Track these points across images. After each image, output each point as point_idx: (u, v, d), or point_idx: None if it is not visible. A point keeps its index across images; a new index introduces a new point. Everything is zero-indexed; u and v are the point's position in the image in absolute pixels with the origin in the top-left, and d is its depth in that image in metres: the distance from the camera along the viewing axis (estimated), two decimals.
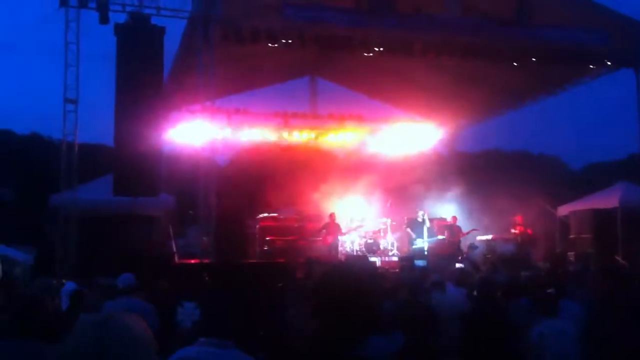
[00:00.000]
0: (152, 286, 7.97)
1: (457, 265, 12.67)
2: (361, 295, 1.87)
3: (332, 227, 17.66)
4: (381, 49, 15.13)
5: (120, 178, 13.12)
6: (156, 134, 13.24)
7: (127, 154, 12.85)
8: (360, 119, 22.67)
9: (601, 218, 19.06)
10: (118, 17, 13.74)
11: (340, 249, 17.75)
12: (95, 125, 20.34)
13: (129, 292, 6.49)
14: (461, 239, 18.07)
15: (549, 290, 6.01)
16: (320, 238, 17.77)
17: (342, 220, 18.21)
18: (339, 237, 17.78)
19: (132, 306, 5.88)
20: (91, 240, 14.68)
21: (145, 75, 13.20)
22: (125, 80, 13.33)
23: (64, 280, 9.96)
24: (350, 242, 18.57)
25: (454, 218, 18.63)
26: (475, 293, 6.92)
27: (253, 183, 21.20)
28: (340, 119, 22.44)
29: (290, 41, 14.42)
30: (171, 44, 14.83)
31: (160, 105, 13.60)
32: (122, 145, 13.06)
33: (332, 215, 17.82)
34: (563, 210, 21.34)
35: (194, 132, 18.51)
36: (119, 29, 13.52)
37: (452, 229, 18.21)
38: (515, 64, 16.05)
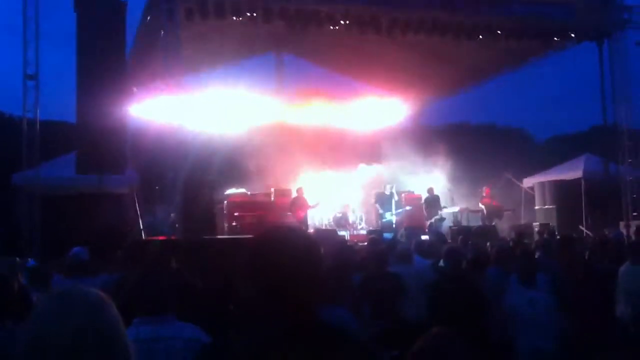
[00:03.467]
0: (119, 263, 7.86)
1: (423, 237, 12.78)
2: (314, 263, 1.84)
3: (301, 201, 17.68)
4: (347, 22, 15.05)
5: (84, 155, 12.89)
6: (119, 110, 13.00)
7: (90, 130, 12.61)
8: (327, 94, 22.60)
9: (565, 189, 19.40)
10: None
11: (308, 223, 17.79)
12: (57, 102, 19.96)
13: (82, 269, 6.38)
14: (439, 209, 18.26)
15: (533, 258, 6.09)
16: (290, 213, 17.78)
17: (310, 195, 18.22)
18: (308, 211, 17.82)
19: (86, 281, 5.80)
20: (56, 219, 14.47)
21: (107, 51, 12.91)
22: (87, 56, 13.02)
23: (29, 259, 9.82)
24: (319, 217, 18.62)
25: (431, 189, 18.71)
26: (441, 263, 6.98)
27: (221, 159, 21.05)
28: (307, 94, 22.35)
29: (255, 15, 14.25)
30: (133, 19, 14.55)
31: (123, 82, 13.34)
32: (84, 122, 12.81)
33: (299, 190, 17.82)
34: (528, 182, 21.66)
35: (159, 108, 18.27)
36: (79, 4, 13.17)
37: (429, 200, 18.38)
38: (480, 37, 16.11)
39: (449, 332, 2.34)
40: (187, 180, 13.80)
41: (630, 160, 16.96)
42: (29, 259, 9.48)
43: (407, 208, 18.51)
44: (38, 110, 14.33)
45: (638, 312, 6.39)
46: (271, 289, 1.77)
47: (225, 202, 18.27)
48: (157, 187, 16.12)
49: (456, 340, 2.31)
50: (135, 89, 18.39)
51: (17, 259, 7.14)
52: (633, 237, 12.31)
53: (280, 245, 1.84)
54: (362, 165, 21.41)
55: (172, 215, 13.87)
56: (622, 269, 6.73)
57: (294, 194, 18.14)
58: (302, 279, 1.78)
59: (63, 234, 13.49)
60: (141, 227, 15.57)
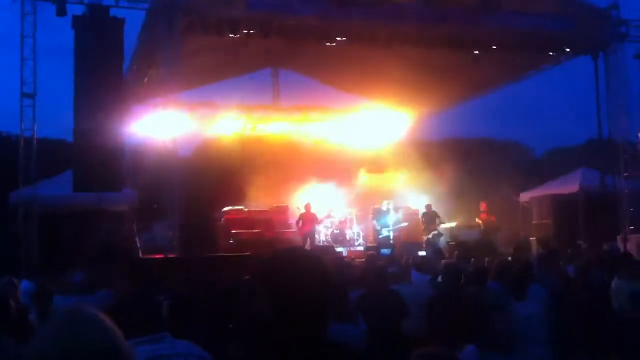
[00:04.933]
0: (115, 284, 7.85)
1: (420, 252, 12.77)
2: (323, 283, 1.87)
3: (308, 216, 17.70)
4: (344, 38, 15.13)
5: (81, 173, 12.90)
6: (117, 127, 13.04)
7: (87, 148, 12.64)
8: (324, 109, 22.67)
9: (562, 203, 19.41)
10: (76, 9, 13.50)
11: (315, 238, 17.80)
12: (55, 121, 19.98)
13: (84, 289, 6.39)
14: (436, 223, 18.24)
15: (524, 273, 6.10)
16: (296, 229, 17.82)
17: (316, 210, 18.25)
18: (315, 227, 17.84)
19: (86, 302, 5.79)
20: (54, 237, 14.44)
21: (105, 68, 12.97)
22: (84, 73, 13.08)
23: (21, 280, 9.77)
24: (317, 233, 18.61)
25: (429, 206, 18.70)
26: (439, 279, 6.97)
27: (218, 176, 21.06)
28: (304, 109, 22.42)
29: (252, 31, 14.33)
30: (131, 36, 14.62)
31: (120, 99, 13.39)
32: (81, 140, 12.84)
33: (307, 206, 17.86)
34: (525, 196, 21.67)
35: (157, 125, 18.29)
36: (77, 22, 13.24)
37: (427, 215, 18.37)
38: (476, 52, 16.20)
39: (445, 351, 2.34)
40: (186, 198, 13.81)
41: (626, 174, 16.99)
42: (22, 280, 9.43)
43: (404, 224, 18.49)
44: (35, 128, 14.33)
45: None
46: (281, 308, 1.79)
47: (223, 219, 18.25)
48: (155, 205, 16.10)
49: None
50: (133, 106, 18.43)
51: (14, 279, 7.11)
52: (632, 251, 12.31)
53: (291, 267, 1.86)
54: (362, 172, 21.35)
55: (170, 232, 13.84)
56: (614, 282, 6.75)
57: (293, 211, 18.19)
58: (312, 299, 1.79)
59: (61, 252, 13.47)
60: (139, 244, 15.53)
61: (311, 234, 17.53)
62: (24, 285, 8.40)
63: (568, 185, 19.77)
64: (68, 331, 1.49)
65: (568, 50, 16.77)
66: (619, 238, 15.99)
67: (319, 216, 18.15)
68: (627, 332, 5.28)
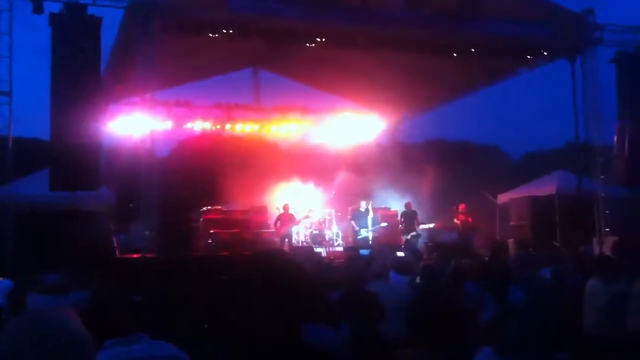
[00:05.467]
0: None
1: (399, 253, 12.79)
2: (301, 285, 1.85)
3: (286, 217, 17.70)
4: (324, 39, 15.14)
5: (57, 172, 12.76)
6: (94, 126, 12.92)
7: (64, 147, 12.50)
8: (303, 110, 22.65)
9: (539, 205, 19.56)
10: (53, 6, 13.33)
11: (294, 238, 17.80)
12: (30, 119, 19.74)
13: (58, 290, 6.30)
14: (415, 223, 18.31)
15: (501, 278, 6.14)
16: (273, 230, 17.80)
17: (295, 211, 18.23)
18: (293, 227, 17.84)
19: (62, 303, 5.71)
20: (29, 236, 14.26)
21: (82, 66, 12.85)
22: (61, 72, 12.95)
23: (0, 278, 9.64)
24: (295, 234, 18.59)
25: (409, 204, 18.75)
26: (417, 280, 6.99)
27: (196, 176, 20.96)
28: (284, 110, 22.39)
29: (232, 32, 14.28)
30: (108, 35, 14.48)
31: (97, 98, 13.27)
32: (58, 139, 12.70)
33: (285, 206, 17.86)
34: (503, 198, 21.83)
35: (134, 125, 18.15)
36: (53, 19, 13.10)
37: (407, 214, 18.43)
38: (455, 55, 16.30)
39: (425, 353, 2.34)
40: (163, 198, 13.72)
41: (602, 177, 17.18)
42: (2, 279, 9.31)
43: (383, 225, 18.54)
44: (11, 127, 14.14)
45: (600, 325, 6.46)
46: (258, 310, 1.77)
47: (201, 219, 18.16)
48: (131, 205, 15.97)
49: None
50: (110, 105, 18.28)
51: None
52: (607, 253, 12.43)
53: (269, 268, 1.84)
54: (341, 173, 21.34)
55: (146, 232, 13.74)
56: (588, 283, 6.82)
57: (274, 211, 18.16)
58: (289, 301, 1.78)
59: (36, 252, 13.30)
60: (115, 244, 15.39)
61: (289, 235, 17.54)
62: (4, 284, 8.29)
63: (545, 188, 19.95)
64: (26, 331, 1.49)
65: (545, 54, 16.93)
66: (594, 240, 16.17)
67: (298, 217, 18.15)
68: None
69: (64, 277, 6.64)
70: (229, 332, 1.90)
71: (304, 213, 18.53)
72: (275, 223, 17.87)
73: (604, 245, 15.48)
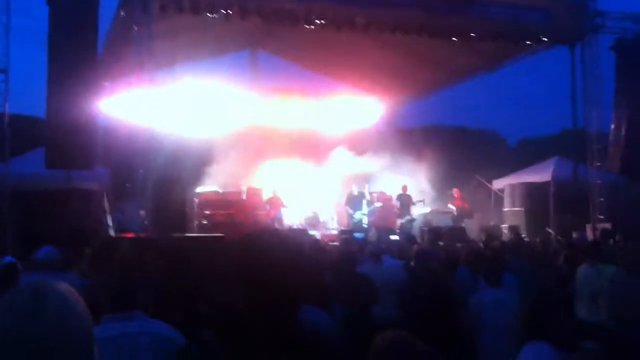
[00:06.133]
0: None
1: (393, 237, 12.85)
2: (297, 266, 1.86)
3: (276, 201, 17.74)
4: (323, 22, 15.05)
5: (53, 150, 12.71)
6: (90, 105, 12.85)
7: (60, 125, 12.44)
8: (301, 92, 22.58)
9: (534, 191, 19.62)
10: None
11: (283, 222, 17.85)
12: (27, 97, 19.65)
13: (50, 266, 6.31)
14: (411, 207, 18.36)
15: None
16: (264, 212, 17.82)
17: (283, 195, 18.25)
18: (282, 211, 17.87)
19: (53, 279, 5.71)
20: (24, 215, 14.24)
21: (79, 45, 12.74)
22: (58, 50, 12.84)
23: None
24: (291, 216, 18.63)
25: (405, 187, 18.78)
26: (412, 264, 7.03)
27: (192, 156, 20.89)
28: (282, 92, 22.31)
29: (230, 12, 14.18)
30: (106, 13, 14.39)
31: (95, 76, 13.18)
32: (54, 117, 12.63)
33: (275, 190, 17.90)
34: (498, 183, 21.88)
35: (131, 104, 18.08)
36: None
37: (402, 197, 18.47)
38: (454, 39, 16.25)
39: (407, 335, 2.34)
40: (158, 177, 13.69)
41: (598, 164, 17.22)
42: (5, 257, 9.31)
43: (378, 204, 18.58)
44: (7, 105, 14.09)
45: (592, 311, 6.50)
46: (254, 291, 1.77)
47: (196, 199, 18.16)
48: (127, 184, 15.95)
49: (415, 344, 2.31)
50: (107, 84, 18.19)
51: None
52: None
53: (264, 249, 1.84)
54: (338, 156, 21.17)
55: (141, 212, 13.74)
56: (580, 269, 6.85)
57: (270, 194, 18.18)
58: (284, 282, 1.78)
59: (31, 230, 13.29)
60: (110, 224, 15.39)
61: (278, 218, 17.57)
62: (6, 260, 8.28)
63: (541, 174, 19.98)
64: (25, 304, 1.46)
65: (545, 40, 16.89)
66: (588, 227, 16.23)
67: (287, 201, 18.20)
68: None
69: (59, 251, 6.65)
70: (224, 313, 1.91)
71: (297, 197, 18.45)
72: (265, 206, 17.91)
73: (597, 231, 15.56)
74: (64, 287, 1.57)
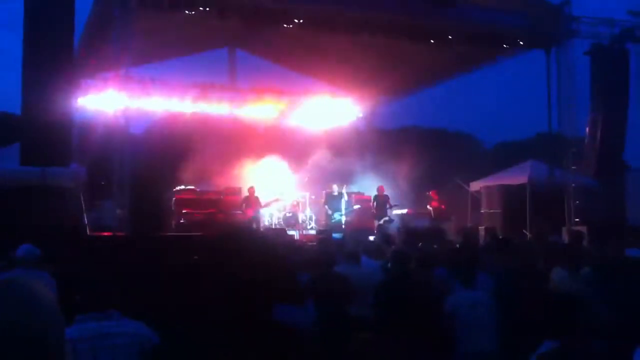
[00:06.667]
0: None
1: (371, 238, 12.86)
2: (270, 262, 1.86)
3: (252, 200, 17.63)
4: (302, 21, 15.04)
5: (28, 147, 12.57)
6: (66, 102, 12.72)
7: (35, 122, 12.30)
8: (279, 92, 22.54)
9: (511, 194, 19.75)
10: None
11: (261, 222, 17.76)
12: (1, 93, 19.40)
13: (30, 263, 6.23)
14: (387, 209, 18.35)
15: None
16: (241, 212, 17.71)
17: (260, 194, 18.16)
18: (260, 210, 17.78)
19: (29, 276, 5.64)
20: None
21: (55, 40, 12.61)
22: (33, 45, 12.70)
23: None
24: (269, 216, 18.56)
25: (381, 187, 18.79)
26: (389, 265, 7.04)
27: (169, 155, 20.77)
28: (260, 91, 22.25)
29: (208, 9, 14.12)
30: (83, 7, 14.24)
31: (70, 73, 13.06)
32: (29, 114, 12.49)
33: (251, 189, 17.78)
34: (475, 185, 22.00)
35: (107, 101, 17.92)
36: None
37: (379, 198, 18.48)
38: (432, 41, 16.34)
39: (384, 336, 2.35)
40: (135, 176, 13.59)
41: (574, 167, 17.41)
42: None
43: (357, 207, 18.61)
44: None
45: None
46: (229, 288, 1.77)
47: (174, 198, 18.04)
48: (103, 182, 15.79)
49: (389, 346, 2.32)
50: (83, 81, 18.00)
51: None
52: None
53: (237, 246, 1.84)
54: (316, 156, 21.08)
55: (118, 211, 13.61)
56: (554, 272, 6.91)
57: (245, 193, 18.07)
58: (259, 279, 1.78)
59: (5, 228, 13.09)
60: (86, 222, 15.22)
61: (257, 218, 17.47)
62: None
63: (517, 177, 20.14)
64: None
65: (522, 43, 17.04)
66: (564, 230, 16.40)
67: (265, 200, 18.08)
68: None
69: (36, 249, 6.58)
70: (200, 311, 1.90)
71: (274, 196, 18.49)
72: (241, 205, 17.79)
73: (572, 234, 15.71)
74: (33, 283, 1.53)
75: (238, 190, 18.88)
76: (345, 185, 19.06)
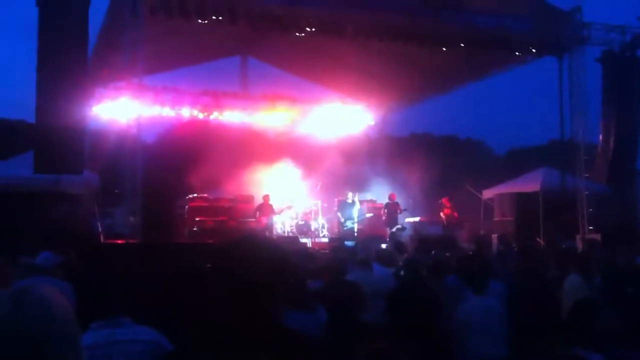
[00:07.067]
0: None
1: (383, 245, 12.85)
2: (279, 269, 1.86)
3: (266, 208, 17.67)
4: (313, 29, 15.08)
5: (42, 155, 12.66)
6: (80, 110, 12.81)
7: (49, 130, 12.39)
8: (291, 99, 22.59)
9: (523, 201, 19.68)
10: None
11: (273, 229, 17.79)
12: (15, 101, 19.58)
13: (49, 271, 6.27)
14: (398, 215, 18.32)
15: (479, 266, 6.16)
16: (254, 219, 17.75)
17: (273, 202, 18.20)
18: (273, 218, 17.81)
19: (48, 284, 5.67)
20: (12, 218, 14.14)
21: (69, 49, 12.71)
22: (47, 54, 12.79)
23: None
24: (281, 224, 18.58)
25: (393, 195, 18.77)
26: (401, 273, 7.03)
27: (182, 163, 20.86)
28: (271, 99, 22.31)
29: (220, 18, 14.18)
30: (96, 17, 14.35)
31: (84, 81, 13.15)
32: (43, 121, 12.58)
33: (266, 197, 17.84)
34: (488, 193, 21.93)
35: (120, 109, 18.03)
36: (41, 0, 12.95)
37: (390, 206, 18.46)
38: (444, 48, 16.32)
39: (395, 345, 2.35)
40: (148, 183, 13.65)
41: (587, 175, 17.31)
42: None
43: (369, 215, 18.60)
44: None
45: None
46: (239, 294, 1.77)
47: (187, 206, 18.11)
48: (116, 190, 15.88)
49: (400, 354, 2.32)
50: (96, 89, 18.14)
51: None
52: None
53: (249, 252, 1.85)
54: (328, 164, 21.12)
55: (131, 218, 13.67)
56: (567, 279, 6.87)
57: (258, 201, 18.12)
58: (270, 285, 1.79)
59: (18, 234, 13.19)
60: (99, 229, 15.31)
61: (269, 225, 17.50)
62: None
63: (529, 184, 20.06)
64: (3, 309, 1.43)
65: (534, 50, 16.98)
66: (577, 237, 16.29)
67: (278, 208, 18.12)
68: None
69: (56, 256, 6.61)
70: (210, 317, 1.91)
71: (286, 204, 18.51)
72: (255, 213, 17.84)
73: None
74: (49, 290, 1.54)
75: (250, 198, 18.94)
76: (357, 193, 19.06)
